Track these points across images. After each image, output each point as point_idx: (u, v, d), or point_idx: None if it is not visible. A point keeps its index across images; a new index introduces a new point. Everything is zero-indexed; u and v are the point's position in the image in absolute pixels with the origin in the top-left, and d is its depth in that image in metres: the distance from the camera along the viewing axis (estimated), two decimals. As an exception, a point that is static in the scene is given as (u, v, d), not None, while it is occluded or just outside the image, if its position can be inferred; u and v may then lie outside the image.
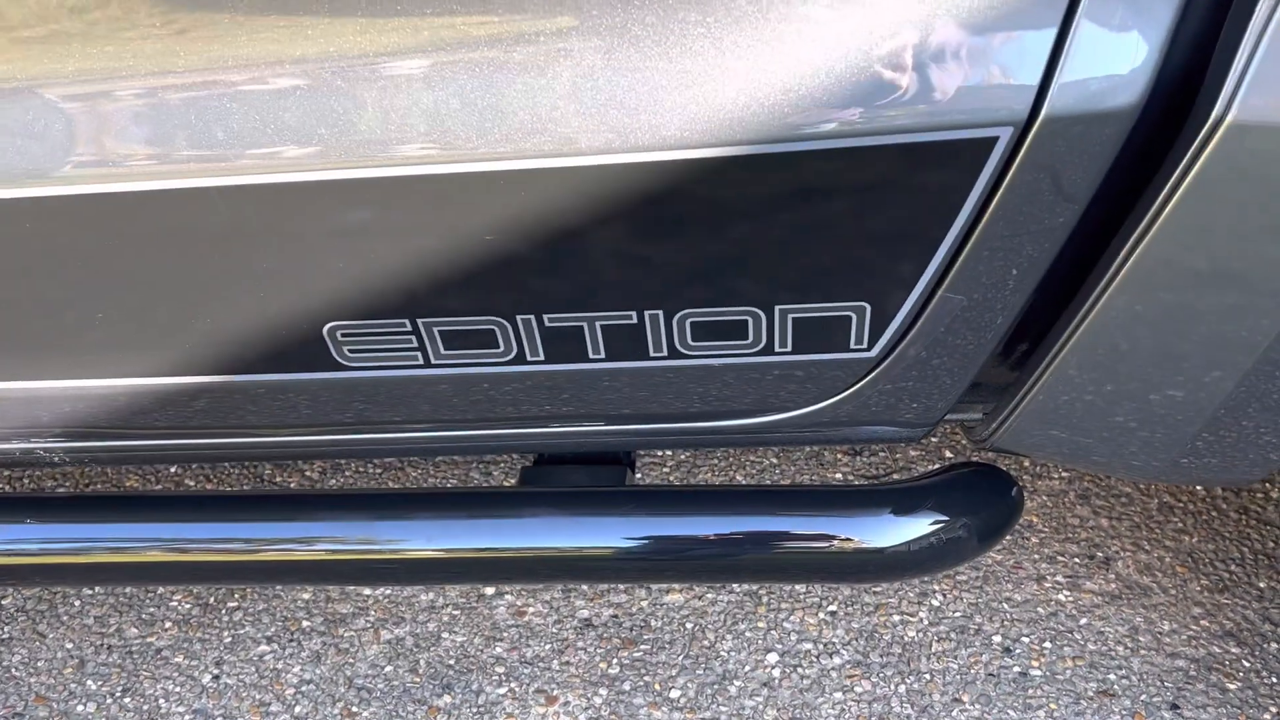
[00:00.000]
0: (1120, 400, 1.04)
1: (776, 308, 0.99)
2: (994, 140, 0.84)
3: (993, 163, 0.85)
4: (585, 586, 1.81)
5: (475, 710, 1.65)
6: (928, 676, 1.64)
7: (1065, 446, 1.15)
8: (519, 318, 1.01)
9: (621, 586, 1.80)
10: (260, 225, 0.94)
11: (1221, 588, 1.73)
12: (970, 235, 0.91)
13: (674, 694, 1.65)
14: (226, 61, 0.86)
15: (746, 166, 0.87)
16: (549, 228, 0.92)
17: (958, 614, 1.72)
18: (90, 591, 1.88)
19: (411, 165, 0.88)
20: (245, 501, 1.34)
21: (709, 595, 1.78)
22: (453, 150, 0.87)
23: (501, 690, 1.67)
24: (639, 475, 1.82)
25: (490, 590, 1.81)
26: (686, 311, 1.00)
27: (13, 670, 1.76)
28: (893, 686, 1.63)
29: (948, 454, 1.98)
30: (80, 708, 1.70)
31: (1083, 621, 1.70)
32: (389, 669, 1.71)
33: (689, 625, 1.74)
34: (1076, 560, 1.79)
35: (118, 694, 1.71)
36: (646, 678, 1.67)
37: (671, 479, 2.00)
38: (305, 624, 1.79)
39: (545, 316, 1.01)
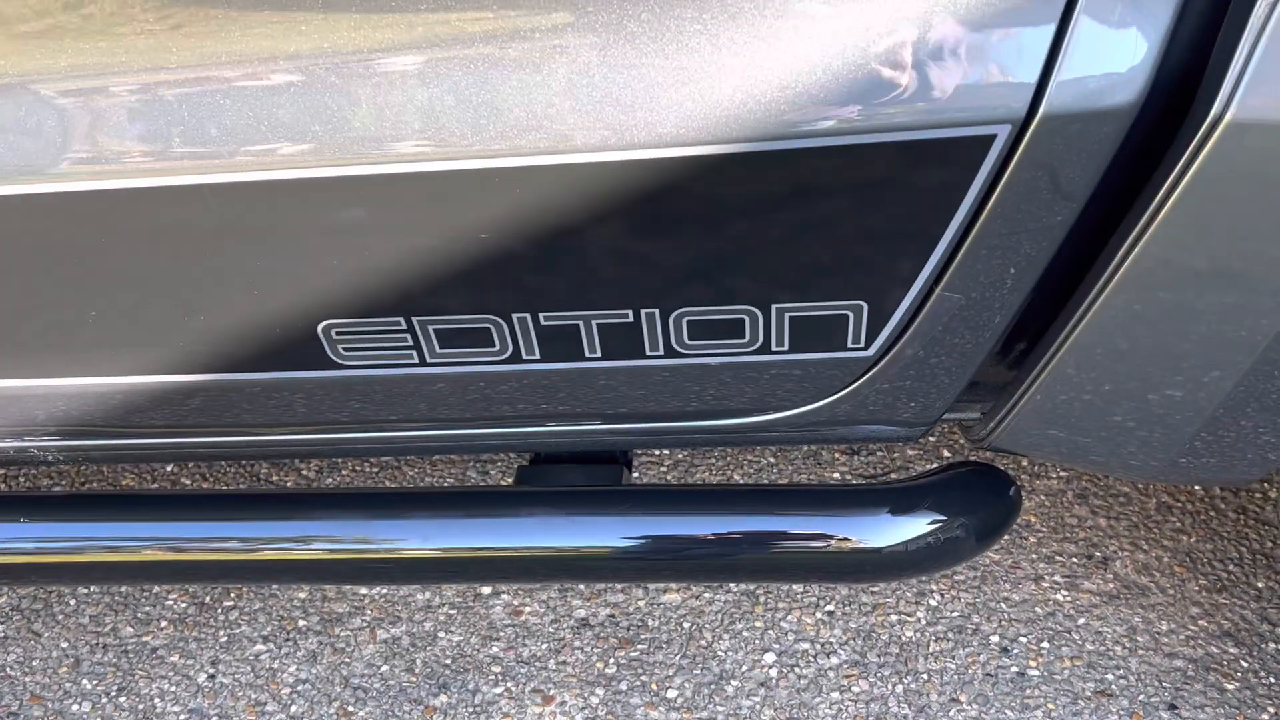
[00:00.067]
0: (1119, 400, 1.04)
1: (773, 306, 0.99)
2: (992, 138, 0.84)
3: (991, 161, 0.85)
4: (582, 586, 1.80)
5: (471, 710, 1.64)
6: (925, 676, 1.64)
7: (1063, 446, 1.14)
8: (514, 316, 1.00)
9: (618, 586, 1.80)
10: (254, 222, 0.93)
11: (1219, 588, 1.73)
12: (968, 234, 0.91)
13: (671, 694, 1.64)
14: (220, 57, 0.86)
15: (743, 164, 0.86)
16: (544, 225, 0.91)
17: (955, 614, 1.72)
18: (85, 590, 1.87)
19: (406, 162, 0.88)
20: (241, 500, 1.34)
21: (706, 595, 1.78)
22: (448, 147, 0.87)
23: (498, 690, 1.67)
24: (636, 474, 1.82)
25: (487, 590, 1.81)
26: (683, 310, 1.00)
27: (7, 669, 1.75)
28: (890, 686, 1.63)
29: (946, 453, 1.98)
30: (75, 707, 1.69)
31: (1080, 621, 1.69)
32: (385, 668, 1.71)
33: (686, 625, 1.74)
34: (1074, 560, 1.79)
35: (113, 693, 1.71)
36: (643, 677, 1.67)
37: (668, 478, 1.99)
38: (301, 623, 1.79)
39: (541, 315, 1.00)
